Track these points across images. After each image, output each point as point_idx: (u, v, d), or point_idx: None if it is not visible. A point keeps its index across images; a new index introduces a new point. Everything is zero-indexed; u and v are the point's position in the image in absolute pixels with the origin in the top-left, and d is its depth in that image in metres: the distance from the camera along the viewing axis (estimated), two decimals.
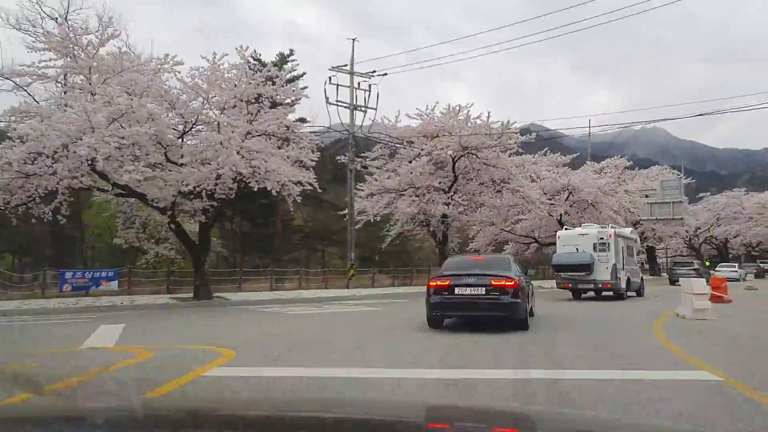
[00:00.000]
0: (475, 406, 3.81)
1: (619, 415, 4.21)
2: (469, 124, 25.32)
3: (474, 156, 25.21)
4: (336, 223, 36.72)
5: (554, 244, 40.53)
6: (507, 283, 9.61)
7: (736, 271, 37.53)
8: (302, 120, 28.58)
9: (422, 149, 25.61)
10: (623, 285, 19.34)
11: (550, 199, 31.62)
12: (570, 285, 19.61)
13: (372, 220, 27.31)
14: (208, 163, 16.08)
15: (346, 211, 27.19)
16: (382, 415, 1.92)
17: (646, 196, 38.83)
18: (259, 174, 16.81)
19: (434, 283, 10.15)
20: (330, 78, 26.01)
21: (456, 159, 25.49)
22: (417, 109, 26.70)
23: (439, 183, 26.07)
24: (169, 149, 17.19)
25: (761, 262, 49.73)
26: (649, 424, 2.75)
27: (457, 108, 25.86)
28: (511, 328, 9.69)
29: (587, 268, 18.77)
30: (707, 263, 48.62)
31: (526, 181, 27.54)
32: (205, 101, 17.18)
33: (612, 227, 20.81)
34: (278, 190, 17.39)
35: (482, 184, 26.56)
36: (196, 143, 17.71)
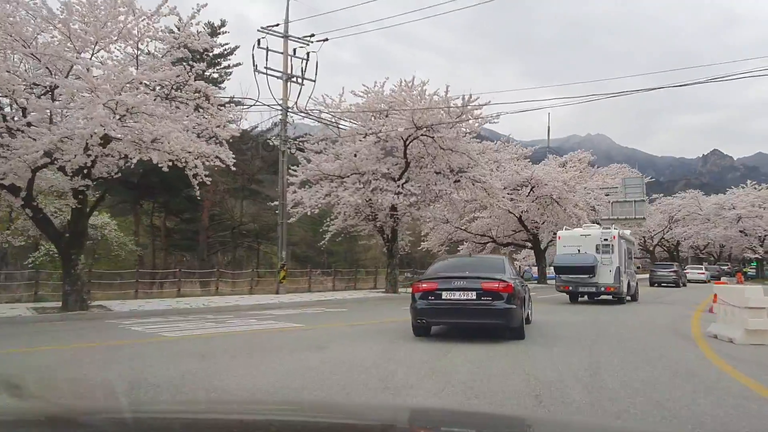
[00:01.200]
0: (465, 410, 3.56)
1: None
2: (423, 101, 21.35)
3: (429, 138, 21.34)
4: (274, 219, 32.34)
5: (513, 244, 38.36)
6: (500, 287, 8.57)
7: (704, 273, 35.67)
8: (234, 103, 23.92)
9: (369, 129, 21.59)
10: (625, 289, 18.34)
11: (510, 194, 28.38)
12: (570, 288, 18.55)
13: (309, 213, 23.05)
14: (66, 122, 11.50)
15: (277, 203, 22.82)
16: (370, 420, 1.88)
17: (607, 195, 36.65)
18: (143, 142, 12.34)
19: (420, 287, 9.11)
20: (259, 41, 21.58)
21: (408, 141, 21.58)
22: (364, 85, 22.55)
23: (388, 169, 22.04)
24: (29, 108, 12.50)
25: (721, 264, 48.88)
26: (644, 427, 2.86)
27: (411, 83, 21.78)
28: (506, 338, 8.82)
29: (590, 270, 17.71)
30: None
31: (487, 171, 23.88)
32: (69, 41, 12.50)
33: (615, 228, 19.70)
34: (170, 164, 12.97)
35: (438, 173, 22.74)
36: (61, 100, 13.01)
